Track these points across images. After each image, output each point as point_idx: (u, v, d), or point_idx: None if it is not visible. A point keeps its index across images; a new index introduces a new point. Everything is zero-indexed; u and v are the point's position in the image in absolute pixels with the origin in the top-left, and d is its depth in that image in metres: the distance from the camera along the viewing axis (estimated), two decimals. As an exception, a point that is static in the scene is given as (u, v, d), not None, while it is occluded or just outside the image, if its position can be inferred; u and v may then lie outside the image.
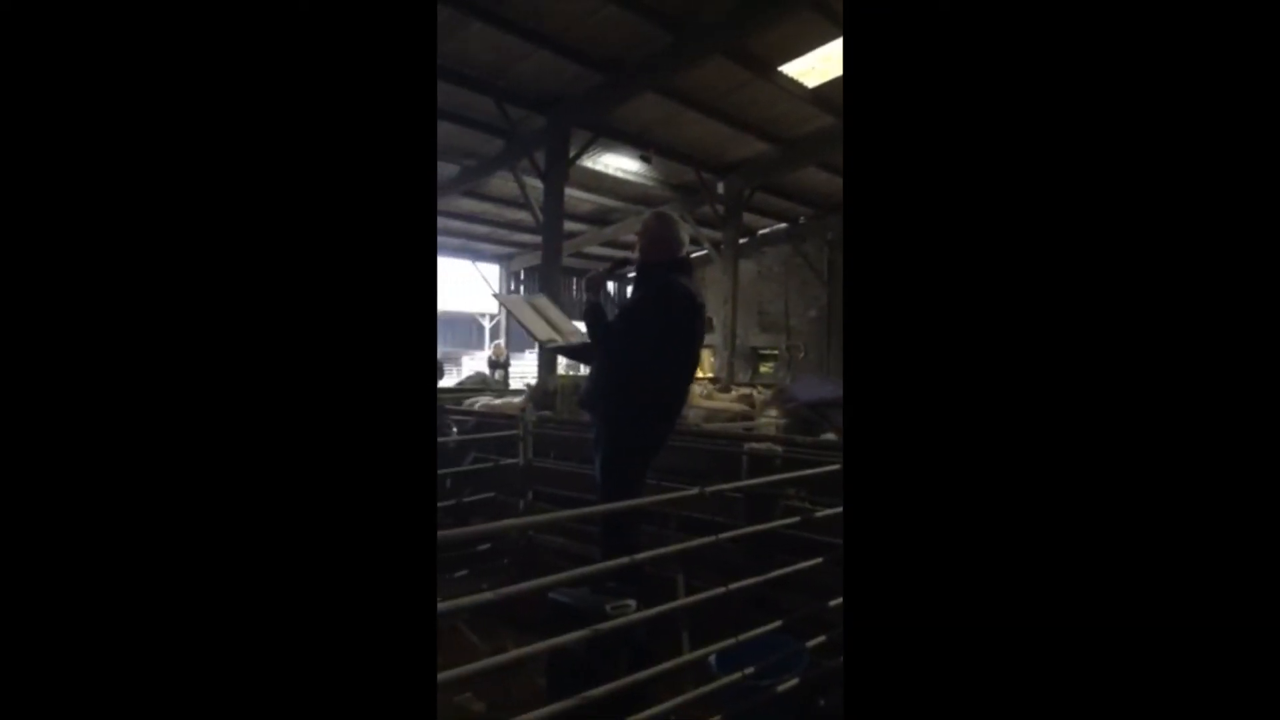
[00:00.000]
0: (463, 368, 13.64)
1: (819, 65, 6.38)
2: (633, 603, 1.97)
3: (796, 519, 2.13)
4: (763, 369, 12.42)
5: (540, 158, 7.33)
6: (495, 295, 13.54)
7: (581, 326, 2.62)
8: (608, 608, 1.90)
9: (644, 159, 8.61)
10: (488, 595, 1.52)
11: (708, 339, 9.86)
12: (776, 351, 12.48)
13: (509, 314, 2.81)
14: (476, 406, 4.67)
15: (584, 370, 5.26)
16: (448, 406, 4.46)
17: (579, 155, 7.58)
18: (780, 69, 6.47)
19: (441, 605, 1.85)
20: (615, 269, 2.73)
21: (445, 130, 7.65)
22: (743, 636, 1.80)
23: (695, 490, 1.88)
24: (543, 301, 2.81)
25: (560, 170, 7.24)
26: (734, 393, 5.99)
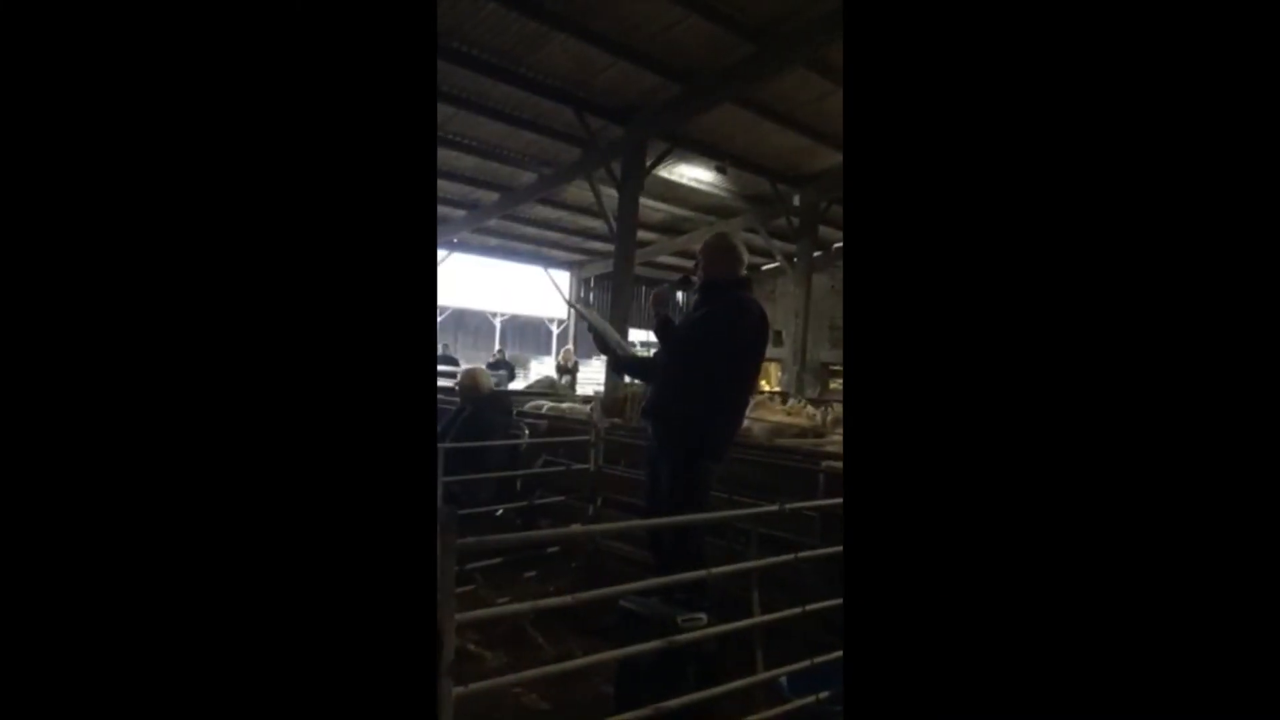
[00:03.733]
0: (531, 372, 13.89)
1: (904, 76, 6.23)
2: (704, 616, 1.94)
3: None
4: (833, 385, 12.15)
5: (616, 167, 7.41)
6: (569, 302, 13.77)
7: (634, 339, 2.67)
8: (679, 620, 1.89)
9: (719, 170, 8.60)
10: (565, 599, 1.54)
11: (776, 353, 9.75)
12: (846, 368, 12.20)
13: (583, 318, 2.90)
14: (544, 410, 4.73)
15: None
16: (516, 410, 4.54)
17: (655, 165, 7.63)
18: (863, 80, 6.37)
19: (512, 606, 1.88)
20: (679, 285, 2.77)
21: (524, 139, 7.83)
22: (817, 660, 1.76)
23: (775, 506, 1.85)
24: (596, 316, 2.89)
25: (636, 180, 7.30)
26: (789, 405, 5.86)
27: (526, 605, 1.53)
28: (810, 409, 5.41)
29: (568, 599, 1.51)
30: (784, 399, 6.93)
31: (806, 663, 1.74)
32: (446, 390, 4.38)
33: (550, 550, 3.24)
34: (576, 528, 3.02)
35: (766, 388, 8.90)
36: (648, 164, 7.44)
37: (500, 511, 3.39)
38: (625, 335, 2.91)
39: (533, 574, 3.10)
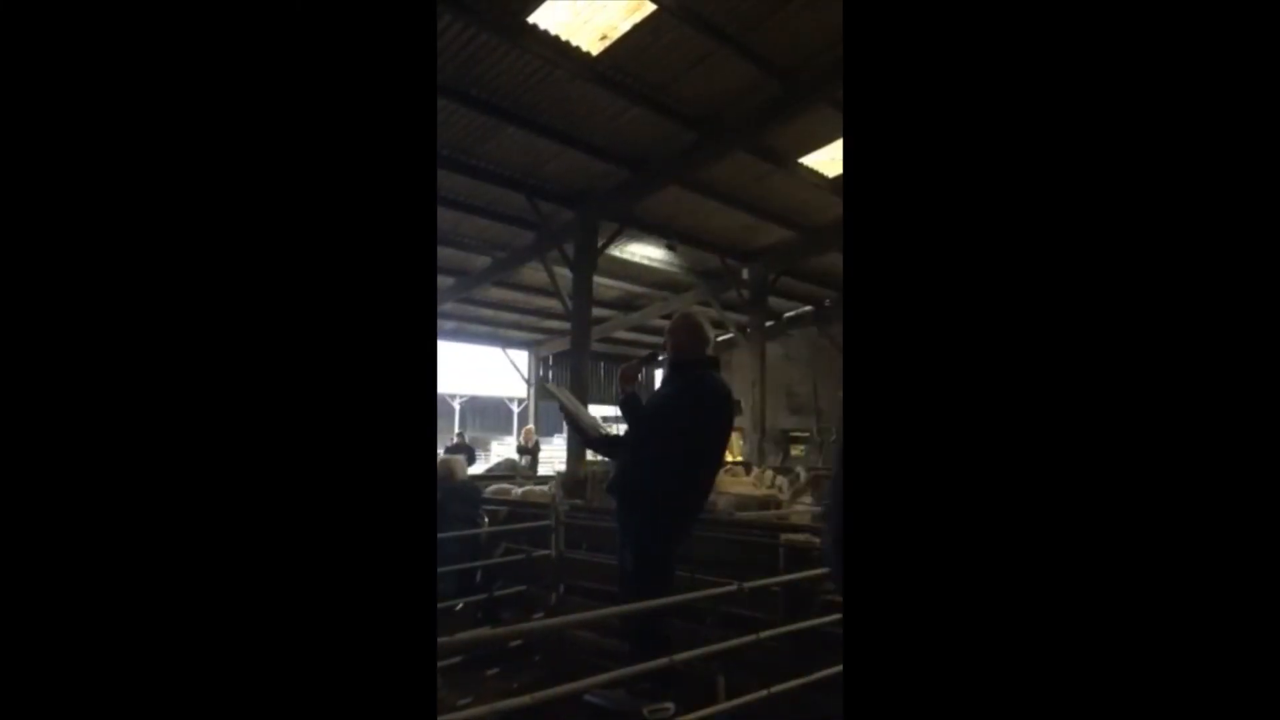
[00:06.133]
0: (492, 453, 13.66)
1: (838, 156, 6.60)
2: (671, 706, 1.90)
3: (837, 616, 2.06)
4: (794, 451, 12.24)
5: (569, 248, 7.59)
6: (545, 384, 13.76)
7: (599, 413, 2.69)
8: (645, 711, 1.84)
9: (670, 247, 8.85)
10: (523, 699, 1.49)
11: (736, 422, 9.81)
12: (807, 434, 12.33)
13: (557, 402, 2.90)
14: (512, 494, 4.66)
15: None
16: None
17: (606, 245, 7.82)
18: (800, 161, 6.71)
19: (474, 710, 1.81)
20: (646, 360, 2.81)
21: (478, 225, 7.98)
22: (787, 744, 1.72)
23: (734, 586, 1.84)
24: (568, 393, 2.91)
25: (588, 260, 7.47)
26: (754, 474, 5.88)
27: (485, 709, 1.48)
28: (779, 478, 5.44)
29: (526, 699, 1.47)
30: (747, 469, 6.95)
31: (776, 748, 1.70)
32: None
33: (513, 644, 3.13)
34: (538, 619, 2.94)
35: (730, 458, 8.93)
36: (600, 244, 7.63)
37: (460, 605, 3.28)
38: (586, 410, 2.92)
39: (495, 670, 2.98)
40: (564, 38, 4.86)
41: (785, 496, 4.33)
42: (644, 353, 2.92)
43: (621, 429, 2.60)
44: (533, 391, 14.41)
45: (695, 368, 2.51)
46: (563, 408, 2.78)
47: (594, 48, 4.98)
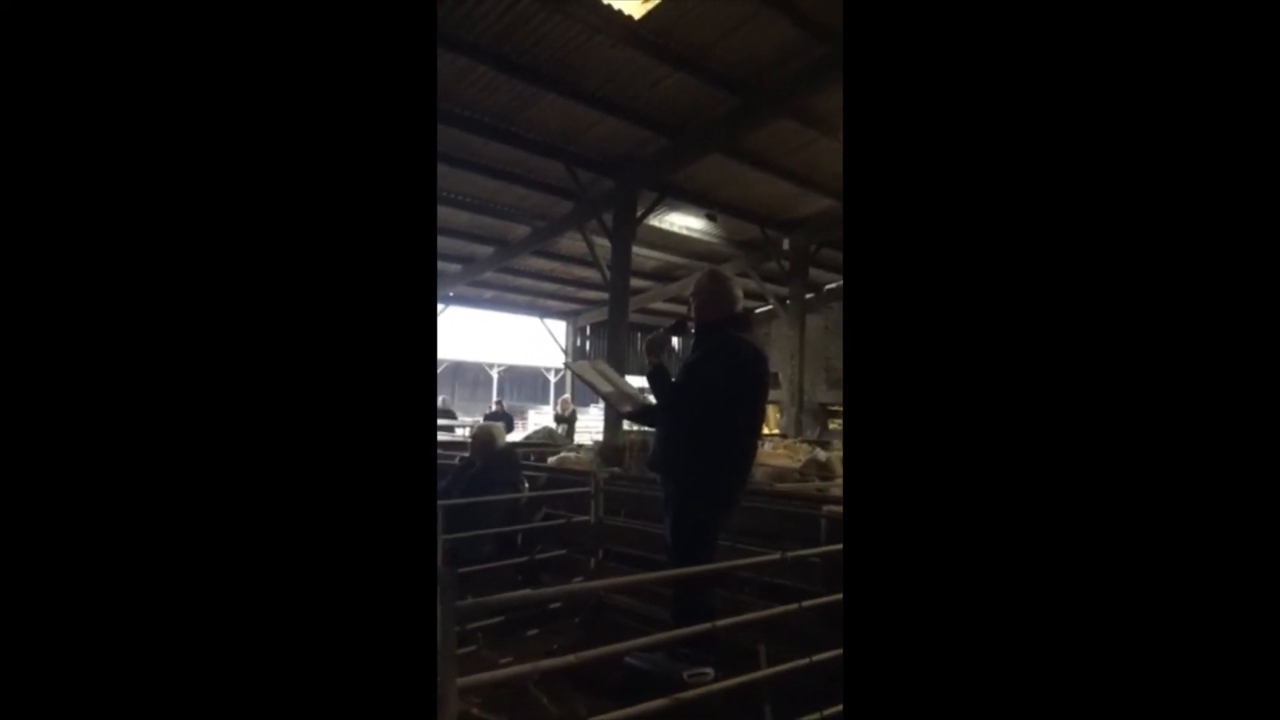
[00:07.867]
0: (529, 421, 13.85)
1: (885, 123, 6.41)
2: (710, 671, 1.91)
3: (880, 587, 2.04)
4: (832, 425, 12.14)
5: (608, 218, 7.54)
6: (566, 364, 13.87)
7: (639, 383, 2.64)
8: (685, 675, 1.86)
9: (710, 217, 8.75)
10: (568, 659, 1.51)
11: (774, 395, 9.78)
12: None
13: (581, 380, 2.84)
14: (550, 461, 4.73)
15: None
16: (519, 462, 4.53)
17: (646, 215, 7.76)
18: (846, 127, 6.54)
19: (515, 668, 1.86)
20: (674, 330, 2.71)
21: (516, 193, 7.98)
22: (827, 712, 1.72)
23: (776, 554, 1.83)
24: (603, 365, 2.86)
25: (627, 229, 7.42)
26: (788, 443, 5.84)
27: (528, 667, 1.50)
28: (816, 450, 5.40)
29: (570, 659, 1.49)
30: (783, 439, 6.92)
31: (815, 715, 1.70)
32: (444, 444, 4.37)
33: (553, 606, 3.19)
34: (578, 582, 2.98)
35: (766, 431, 8.88)
36: (639, 214, 7.58)
37: (500, 567, 3.35)
38: (622, 379, 2.86)
39: (535, 632, 3.04)
40: (606, 1, 4.77)
41: (809, 470, 4.27)
42: (669, 323, 2.79)
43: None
44: (569, 362, 14.52)
45: (725, 328, 2.38)
46: (592, 387, 2.69)
47: (636, 11, 4.88)
